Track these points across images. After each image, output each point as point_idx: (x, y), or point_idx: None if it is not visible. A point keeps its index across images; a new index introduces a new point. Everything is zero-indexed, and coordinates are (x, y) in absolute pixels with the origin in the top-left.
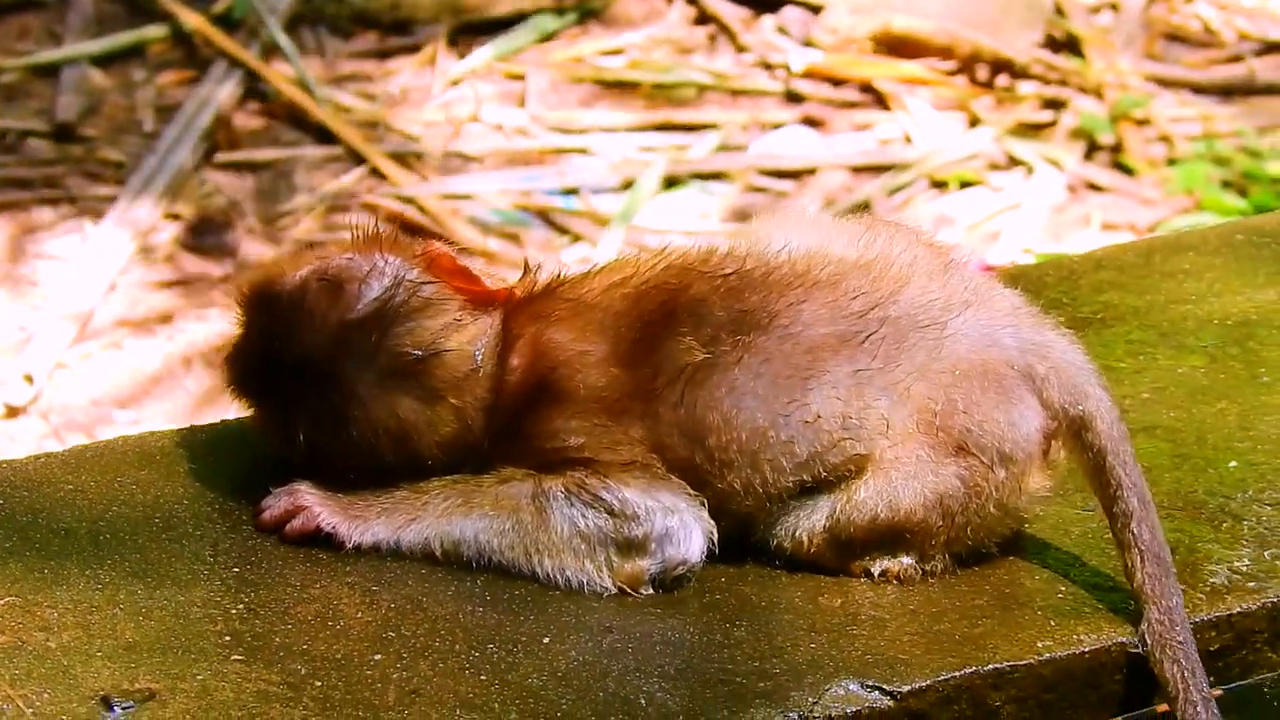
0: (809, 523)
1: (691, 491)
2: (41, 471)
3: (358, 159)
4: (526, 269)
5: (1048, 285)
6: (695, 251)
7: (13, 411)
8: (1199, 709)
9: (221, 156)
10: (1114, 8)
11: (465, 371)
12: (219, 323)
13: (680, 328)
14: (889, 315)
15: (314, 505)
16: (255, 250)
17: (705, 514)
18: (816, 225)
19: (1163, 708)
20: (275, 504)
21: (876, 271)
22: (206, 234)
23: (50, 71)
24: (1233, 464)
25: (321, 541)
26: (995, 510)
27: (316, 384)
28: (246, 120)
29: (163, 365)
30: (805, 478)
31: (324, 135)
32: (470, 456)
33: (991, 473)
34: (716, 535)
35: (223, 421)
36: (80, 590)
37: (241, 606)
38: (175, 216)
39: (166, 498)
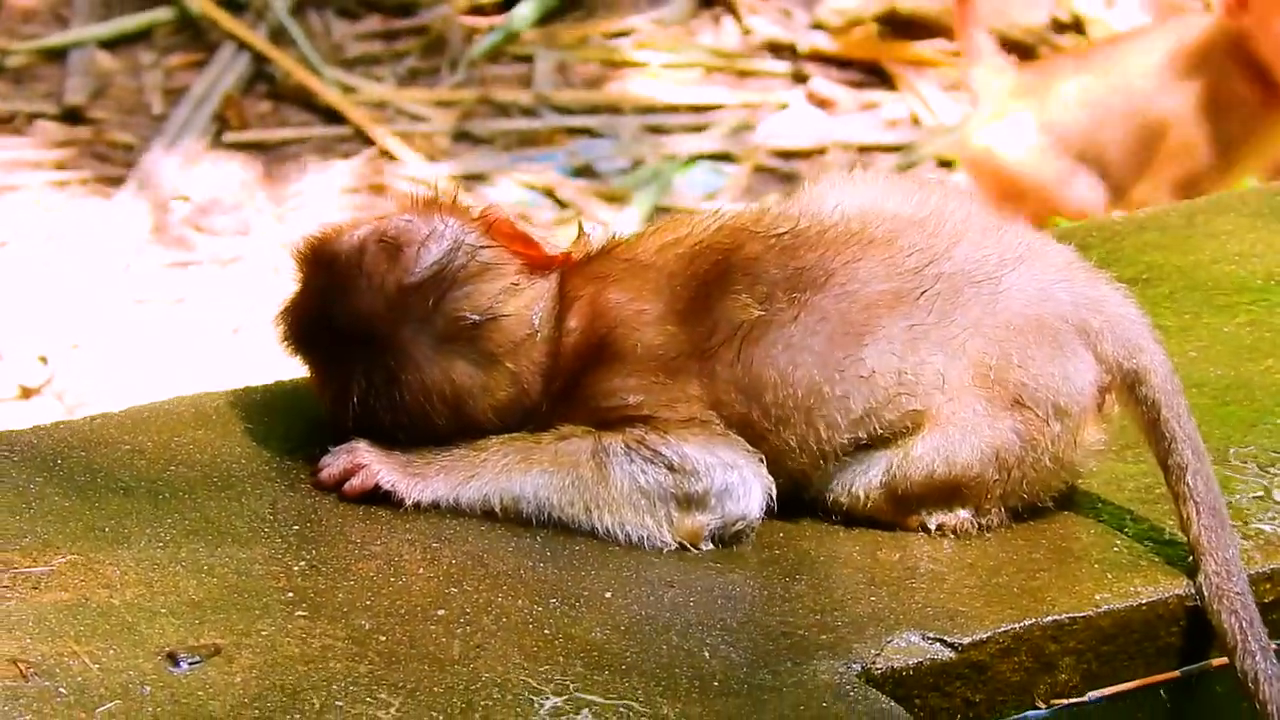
0: (865, 478)
1: (750, 448)
2: (98, 432)
3: (366, 140)
4: (580, 232)
5: (1092, 246)
6: (748, 213)
7: (27, 393)
8: (1257, 659)
9: (230, 138)
10: None
11: (522, 336)
12: (231, 303)
13: (735, 286)
14: (944, 271)
15: (373, 463)
16: (265, 231)
17: (764, 470)
18: (869, 184)
19: (1220, 660)
20: (334, 462)
21: (931, 227)
22: (216, 216)
23: (58, 54)
24: None
25: (380, 499)
26: (1050, 464)
27: (371, 346)
28: (254, 103)
29: (176, 345)
30: (860, 434)
31: (332, 117)
32: (526, 420)
33: (1047, 426)
34: (775, 491)
35: (278, 381)
36: (141, 548)
37: (303, 563)
38: (185, 199)
39: (224, 456)
